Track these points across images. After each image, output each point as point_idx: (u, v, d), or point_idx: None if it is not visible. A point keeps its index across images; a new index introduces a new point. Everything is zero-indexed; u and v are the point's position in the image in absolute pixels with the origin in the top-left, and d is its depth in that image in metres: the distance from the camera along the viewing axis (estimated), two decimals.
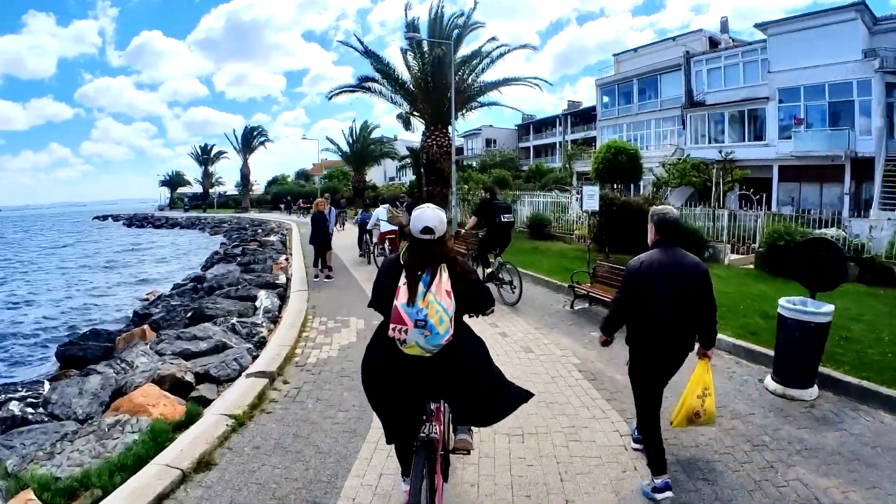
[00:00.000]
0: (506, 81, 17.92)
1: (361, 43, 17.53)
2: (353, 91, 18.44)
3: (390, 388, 2.63)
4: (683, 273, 3.20)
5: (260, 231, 28.27)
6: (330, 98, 18.24)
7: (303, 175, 67.78)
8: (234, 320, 7.44)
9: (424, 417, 2.74)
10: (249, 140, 55.56)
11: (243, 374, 5.47)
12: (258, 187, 69.11)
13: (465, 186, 22.20)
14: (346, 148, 41.83)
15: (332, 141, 43.07)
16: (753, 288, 8.80)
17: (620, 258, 13.06)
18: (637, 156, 24.06)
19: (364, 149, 42.01)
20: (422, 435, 2.66)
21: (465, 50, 17.92)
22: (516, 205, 19.32)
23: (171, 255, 27.28)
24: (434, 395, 2.74)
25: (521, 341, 6.42)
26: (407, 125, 20.05)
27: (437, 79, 17.06)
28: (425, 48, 17.41)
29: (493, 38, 17.18)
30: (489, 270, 8.63)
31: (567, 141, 45.46)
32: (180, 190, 78.37)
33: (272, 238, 21.98)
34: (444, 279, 2.51)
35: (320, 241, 11.11)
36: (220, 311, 8.69)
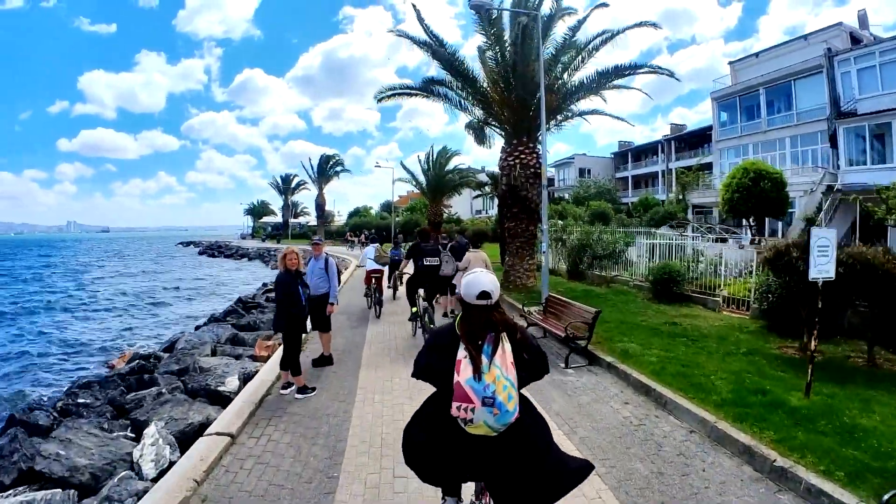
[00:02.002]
0: (618, 71, 12.24)
1: (421, 22, 12.52)
2: (411, 94, 13.85)
3: (443, 469, 2.35)
4: None
5: None
6: (379, 100, 13.81)
7: (387, 207, 65.19)
8: None
9: (474, 498, 2.60)
10: (325, 169, 53.51)
11: None
12: (340, 219, 67.66)
13: (560, 223, 17.04)
14: (421, 178, 37.76)
15: (406, 168, 39.33)
16: None
17: (832, 356, 7.32)
18: (783, 182, 18.18)
19: (440, 178, 37.56)
20: None
21: (557, 32, 12.76)
22: (629, 248, 13.90)
23: (206, 295, 24.15)
24: (492, 476, 2.32)
25: None
26: (480, 137, 14.94)
27: (521, 70, 11.94)
28: (504, 27, 12.49)
29: (604, 4, 11.52)
30: (413, 310, 8.69)
31: (670, 169, 39.14)
32: (264, 219, 78.91)
33: None
34: (506, 349, 2.22)
35: (288, 323, 5.71)
36: (56, 470, 4.32)
